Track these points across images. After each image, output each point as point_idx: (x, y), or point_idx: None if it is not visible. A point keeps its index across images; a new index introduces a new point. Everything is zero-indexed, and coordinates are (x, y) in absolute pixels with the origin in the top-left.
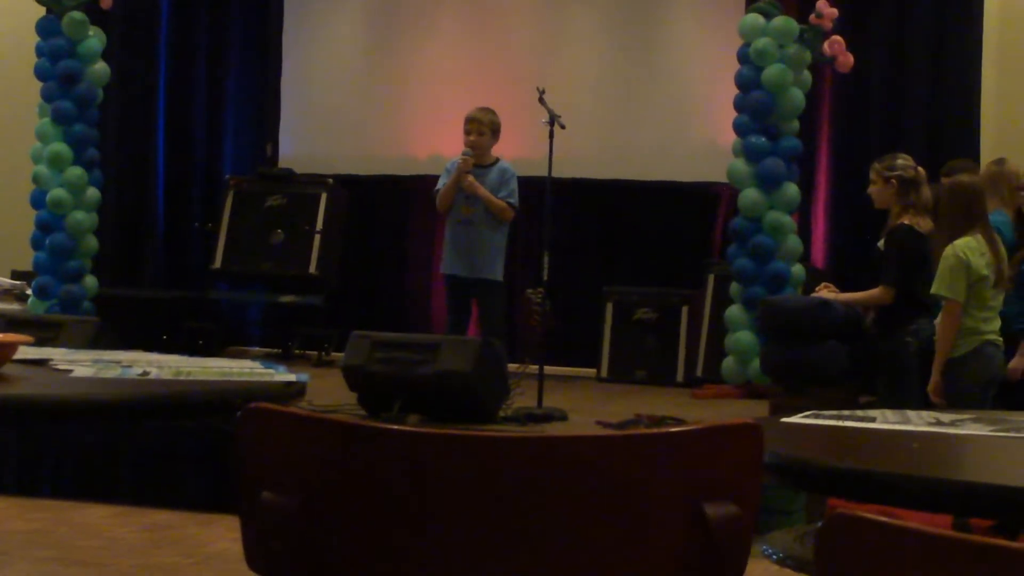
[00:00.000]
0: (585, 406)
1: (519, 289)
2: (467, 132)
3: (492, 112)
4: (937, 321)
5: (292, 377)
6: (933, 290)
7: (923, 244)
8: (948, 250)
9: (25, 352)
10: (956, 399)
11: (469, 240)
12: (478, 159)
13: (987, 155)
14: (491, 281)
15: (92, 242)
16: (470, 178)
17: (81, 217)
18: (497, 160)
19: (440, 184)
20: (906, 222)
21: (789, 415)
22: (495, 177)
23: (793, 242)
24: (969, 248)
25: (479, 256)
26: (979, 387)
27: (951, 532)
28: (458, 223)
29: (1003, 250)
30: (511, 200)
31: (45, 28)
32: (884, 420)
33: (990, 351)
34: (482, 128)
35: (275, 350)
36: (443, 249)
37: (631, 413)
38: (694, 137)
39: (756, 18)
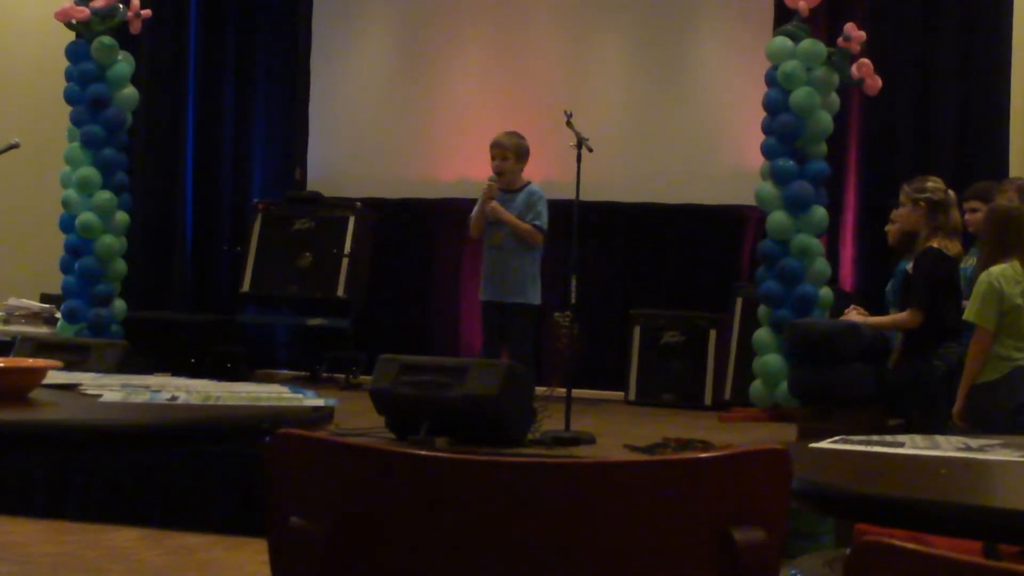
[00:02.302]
0: (613, 429)
1: (547, 312)
2: (492, 157)
3: (517, 136)
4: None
5: (320, 402)
6: (964, 316)
7: (952, 267)
8: (982, 276)
9: (54, 377)
10: (986, 424)
11: (497, 265)
12: (507, 184)
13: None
14: (520, 305)
15: (121, 266)
16: (492, 204)
17: (110, 241)
18: (527, 184)
19: (475, 211)
20: (935, 245)
21: (817, 440)
22: (522, 201)
23: (821, 265)
24: (1004, 275)
25: (508, 281)
26: (1009, 412)
27: (980, 559)
28: (490, 249)
29: None
30: (537, 223)
31: (74, 53)
32: (913, 445)
33: (1021, 376)
34: (505, 153)
35: (303, 373)
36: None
37: (659, 436)
38: (722, 160)
39: (784, 41)
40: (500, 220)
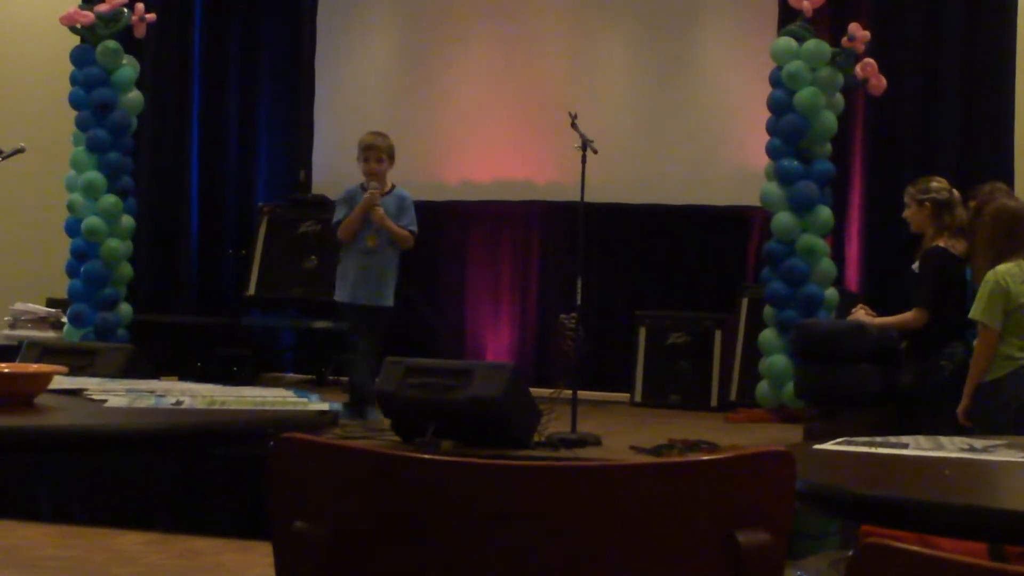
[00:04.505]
0: (619, 431)
1: (553, 314)
2: (366, 160)
3: (387, 137)
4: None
5: (325, 406)
6: (970, 315)
7: (958, 267)
8: (989, 275)
9: (60, 382)
10: (989, 423)
11: (372, 269)
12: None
13: (1021, 177)
14: (387, 308)
15: (127, 270)
16: (380, 211)
17: (115, 245)
18: (394, 187)
19: (340, 215)
20: (941, 244)
21: (822, 441)
22: (393, 205)
23: (826, 265)
24: (1010, 274)
25: (383, 284)
26: (1012, 412)
27: (984, 560)
28: (362, 253)
29: None
30: (412, 228)
31: (79, 57)
32: (917, 446)
33: None
34: (381, 155)
35: (309, 376)
36: (339, 278)
37: (665, 438)
38: (727, 161)
39: (788, 41)
40: (383, 227)
